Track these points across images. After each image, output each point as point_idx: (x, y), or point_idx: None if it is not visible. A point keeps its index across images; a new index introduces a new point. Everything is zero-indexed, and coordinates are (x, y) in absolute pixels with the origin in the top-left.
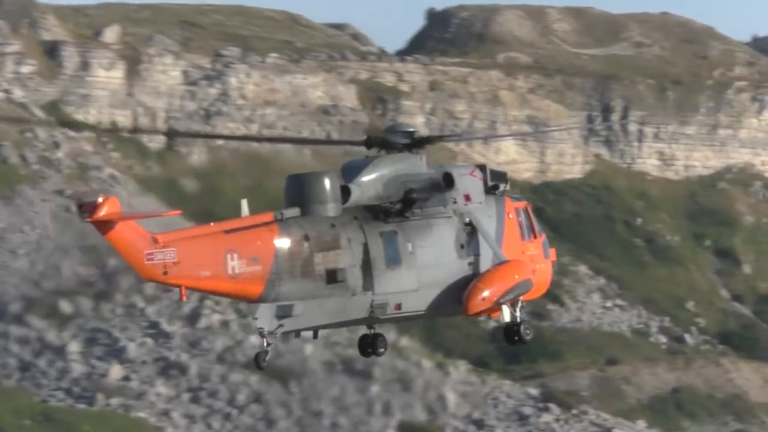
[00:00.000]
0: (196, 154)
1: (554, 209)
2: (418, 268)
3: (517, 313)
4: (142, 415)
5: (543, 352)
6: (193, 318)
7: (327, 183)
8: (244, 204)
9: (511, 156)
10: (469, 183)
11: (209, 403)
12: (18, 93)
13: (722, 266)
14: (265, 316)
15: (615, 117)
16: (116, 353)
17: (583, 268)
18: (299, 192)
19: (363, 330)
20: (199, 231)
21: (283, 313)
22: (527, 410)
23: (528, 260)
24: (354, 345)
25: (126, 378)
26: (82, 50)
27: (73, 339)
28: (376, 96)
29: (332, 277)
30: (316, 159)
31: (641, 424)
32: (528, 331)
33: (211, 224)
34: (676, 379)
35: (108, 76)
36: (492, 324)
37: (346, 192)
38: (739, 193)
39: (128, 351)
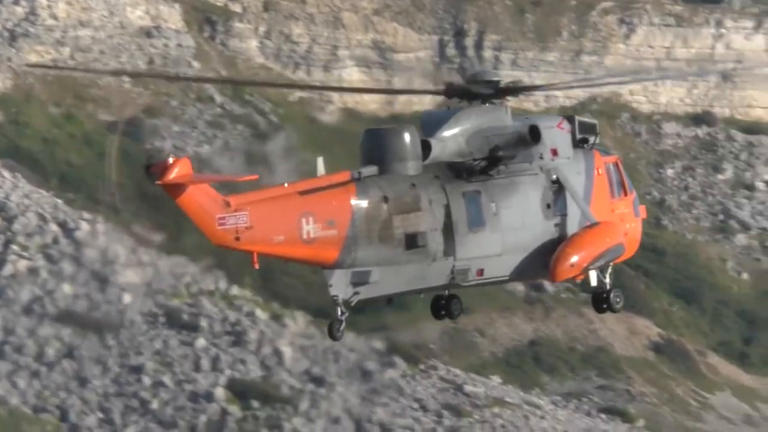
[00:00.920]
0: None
1: None
2: (503, 230)
3: (606, 280)
4: None
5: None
6: None
7: (407, 139)
8: (320, 162)
9: (355, 84)
10: (556, 136)
11: (15, 359)
12: None
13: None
14: (340, 283)
15: (469, 42)
16: None
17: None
18: (377, 148)
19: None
20: (273, 192)
21: (359, 279)
22: (371, 365)
23: (618, 220)
24: (178, 294)
25: None
26: None
27: None
28: (203, 17)
29: (412, 241)
30: (138, 86)
31: (495, 379)
32: (618, 299)
33: (285, 185)
34: (533, 330)
35: None
36: None
37: (426, 147)
38: (604, 125)
39: None
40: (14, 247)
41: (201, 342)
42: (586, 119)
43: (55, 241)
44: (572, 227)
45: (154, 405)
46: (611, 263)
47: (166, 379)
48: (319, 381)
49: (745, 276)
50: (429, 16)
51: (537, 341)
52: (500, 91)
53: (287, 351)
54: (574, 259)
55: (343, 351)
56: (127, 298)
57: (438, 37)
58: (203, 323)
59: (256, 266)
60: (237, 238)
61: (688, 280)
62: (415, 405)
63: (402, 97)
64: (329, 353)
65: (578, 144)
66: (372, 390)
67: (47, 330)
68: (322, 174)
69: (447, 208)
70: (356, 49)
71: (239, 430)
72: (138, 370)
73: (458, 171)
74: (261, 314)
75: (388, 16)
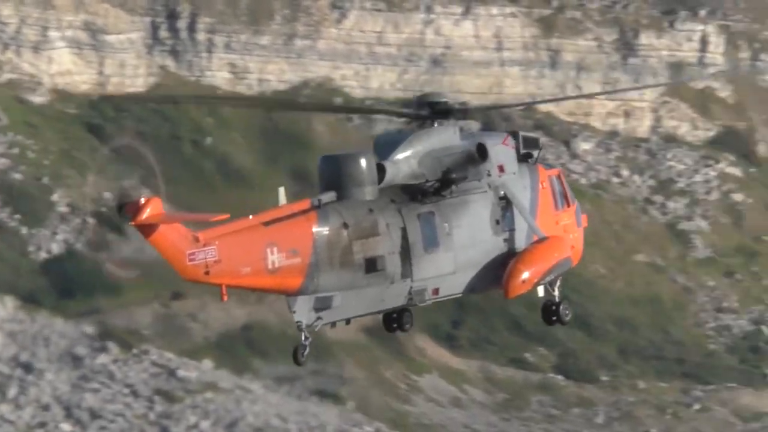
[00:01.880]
0: None
1: (115, 127)
2: (456, 249)
3: (555, 292)
4: None
5: (101, 286)
6: None
7: (364, 164)
8: (281, 192)
9: (66, 66)
10: (501, 153)
11: None
12: None
13: (298, 189)
14: (303, 309)
15: (182, 24)
16: None
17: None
18: (335, 174)
19: None
20: (238, 225)
21: (322, 305)
22: (82, 350)
23: (563, 231)
24: None
25: None
26: None
27: None
28: None
29: (371, 265)
30: None
31: (208, 364)
32: (567, 311)
33: (250, 216)
34: (247, 314)
35: None
36: (43, 256)
37: (381, 170)
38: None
39: None
40: None
41: None
42: (530, 134)
43: None
44: (520, 241)
45: None
46: (560, 277)
47: None
48: (27, 367)
49: None
50: None
51: (249, 325)
52: (448, 112)
53: None
54: (526, 275)
55: (54, 336)
56: None
57: (150, 18)
58: None
59: (225, 299)
60: (207, 273)
61: None
62: (126, 390)
63: (114, 79)
64: (39, 339)
65: (523, 159)
66: (82, 376)
67: None
68: (284, 203)
69: (403, 231)
70: (67, 30)
71: None
72: None
73: (413, 193)
74: None
75: None
